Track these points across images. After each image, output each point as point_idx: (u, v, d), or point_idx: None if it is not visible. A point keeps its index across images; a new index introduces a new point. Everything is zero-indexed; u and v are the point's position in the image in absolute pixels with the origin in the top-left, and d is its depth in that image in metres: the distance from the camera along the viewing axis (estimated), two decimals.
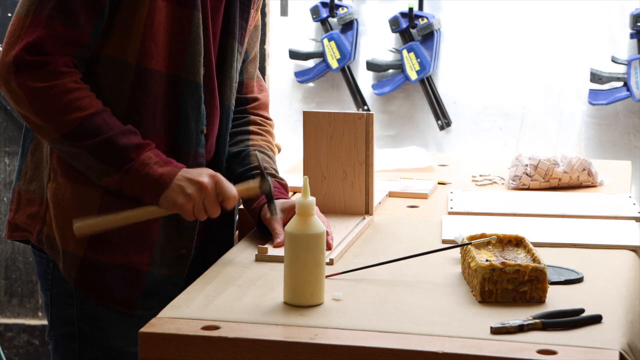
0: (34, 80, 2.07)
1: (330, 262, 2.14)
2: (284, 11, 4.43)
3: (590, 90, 4.10)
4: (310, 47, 4.44)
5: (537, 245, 2.19)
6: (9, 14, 4.19)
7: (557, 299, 1.94)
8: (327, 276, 2.04)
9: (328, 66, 4.37)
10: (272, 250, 2.18)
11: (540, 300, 1.93)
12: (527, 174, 2.80)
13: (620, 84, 4.10)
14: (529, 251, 2.05)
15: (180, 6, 2.18)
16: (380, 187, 2.70)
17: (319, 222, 1.94)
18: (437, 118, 4.32)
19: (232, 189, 2.15)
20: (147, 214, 2.14)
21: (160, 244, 2.24)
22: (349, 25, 4.34)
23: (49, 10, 2.07)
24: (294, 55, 4.46)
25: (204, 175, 2.14)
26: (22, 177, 2.28)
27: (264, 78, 4.54)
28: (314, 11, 4.33)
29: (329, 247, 2.17)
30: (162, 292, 2.21)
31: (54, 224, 2.23)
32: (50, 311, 2.30)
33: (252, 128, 2.44)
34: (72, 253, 2.22)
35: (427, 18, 4.23)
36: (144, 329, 1.82)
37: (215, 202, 2.14)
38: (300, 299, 1.92)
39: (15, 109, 2.12)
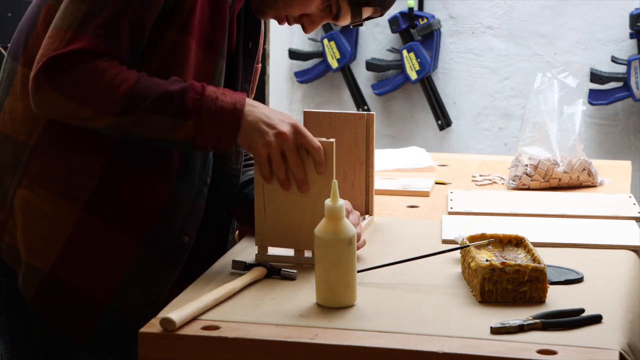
0: (67, 74, 1.94)
1: None
2: None
3: (590, 90, 4.11)
4: (310, 47, 4.45)
5: (537, 245, 2.19)
6: (9, 14, 4.19)
7: (557, 299, 1.94)
8: None
9: (328, 66, 4.37)
10: (272, 250, 2.18)
11: (540, 300, 1.93)
12: (527, 174, 2.80)
13: (620, 84, 4.10)
14: (529, 251, 2.05)
15: (207, 51, 2.09)
16: (382, 186, 2.71)
17: (349, 225, 1.93)
18: (437, 118, 4.32)
19: (313, 138, 2.04)
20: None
21: (129, 279, 2.10)
22: (349, 26, 4.35)
23: (93, 28, 1.95)
24: (294, 55, 4.46)
25: (283, 122, 2.03)
26: None
27: (263, 78, 4.55)
28: None
29: (358, 247, 2.13)
30: (117, 333, 2.09)
31: (20, 234, 2.09)
32: (9, 336, 2.15)
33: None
34: (36, 267, 2.08)
35: (427, 18, 4.23)
36: (144, 329, 1.82)
37: (296, 156, 2.04)
38: (333, 301, 1.93)
39: (55, 117, 2.00)
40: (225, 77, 2.16)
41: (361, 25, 2.32)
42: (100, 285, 2.09)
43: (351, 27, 2.30)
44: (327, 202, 1.93)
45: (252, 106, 2.04)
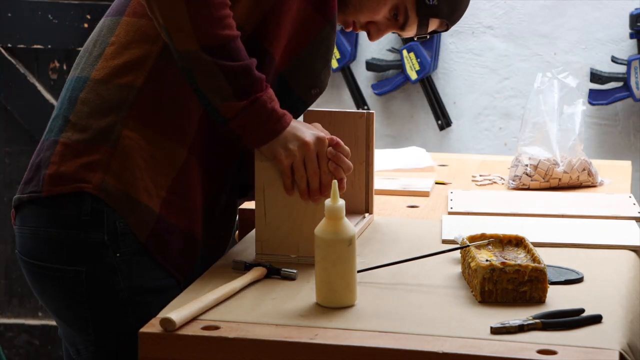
0: None
1: None
2: None
3: (590, 90, 4.10)
4: None
5: (537, 245, 2.19)
6: (9, 14, 4.19)
7: (557, 299, 1.94)
8: None
9: None
10: None
11: (540, 300, 1.93)
12: (527, 174, 2.80)
13: (620, 84, 4.10)
14: (529, 251, 2.05)
15: (317, 11, 2.15)
16: (382, 186, 2.70)
17: (349, 225, 1.94)
18: (437, 118, 4.32)
19: (325, 161, 2.12)
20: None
21: (209, 216, 2.19)
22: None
23: None
24: None
25: (309, 133, 2.11)
26: (70, 128, 2.10)
27: None
28: None
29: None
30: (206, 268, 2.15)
31: (130, 175, 2.08)
32: (93, 327, 2.10)
33: None
34: (148, 207, 2.09)
35: None
36: (144, 329, 1.82)
37: (315, 165, 2.10)
38: (333, 301, 1.93)
39: (155, 13, 2.02)
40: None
41: (426, 38, 2.36)
42: (195, 223, 2.15)
43: (415, 39, 2.34)
44: (327, 202, 1.93)
45: (294, 122, 2.11)
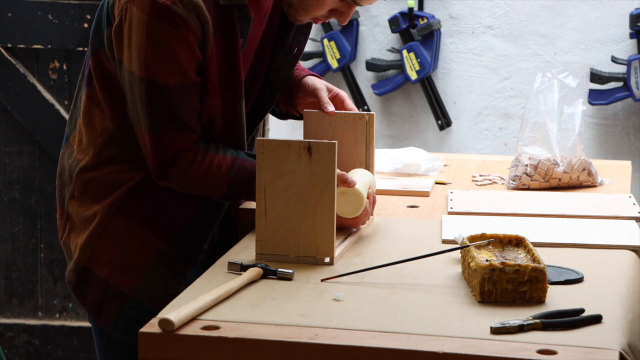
0: (176, 177, 2.27)
1: (331, 262, 2.14)
2: None
3: (590, 90, 4.10)
4: (310, 47, 4.45)
5: (537, 245, 2.19)
6: (9, 14, 4.19)
7: (557, 299, 1.94)
8: (324, 279, 2.05)
9: (328, 66, 4.37)
10: None
11: (540, 300, 1.93)
12: (527, 174, 2.80)
13: (620, 83, 4.10)
14: (529, 251, 2.05)
15: (232, 94, 2.29)
16: (382, 186, 2.70)
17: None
18: (437, 118, 4.32)
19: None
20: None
21: (151, 274, 2.33)
22: (349, 26, 4.35)
23: (163, 127, 2.22)
24: None
25: None
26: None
27: None
28: None
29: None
30: (137, 322, 2.20)
31: (71, 234, 2.38)
32: None
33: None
34: (77, 262, 2.34)
35: (427, 18, 4.23)
36: (144, 329, 1.82)
37: None
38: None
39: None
40: (277, 35, 2.41)
41: None
42: (125, 278, 2.31)
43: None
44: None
45: None
